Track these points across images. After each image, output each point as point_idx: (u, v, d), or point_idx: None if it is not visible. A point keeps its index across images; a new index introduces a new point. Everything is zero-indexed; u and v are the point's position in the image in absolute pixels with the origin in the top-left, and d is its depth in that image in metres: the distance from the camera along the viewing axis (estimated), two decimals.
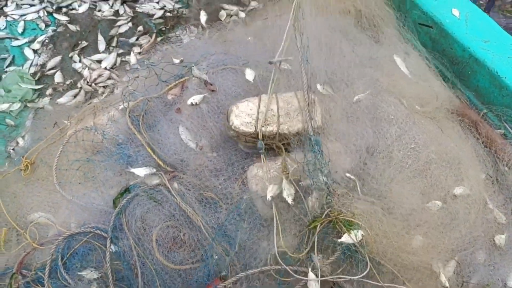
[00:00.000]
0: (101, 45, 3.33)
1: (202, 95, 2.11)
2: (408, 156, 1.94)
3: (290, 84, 2.05)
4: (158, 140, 2.06)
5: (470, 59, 2.42)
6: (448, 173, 1.95)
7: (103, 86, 3.11)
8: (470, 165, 2.06)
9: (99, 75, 3.15)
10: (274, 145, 1.98)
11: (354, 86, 2.17)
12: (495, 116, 2.34)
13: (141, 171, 1.99)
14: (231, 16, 3.25)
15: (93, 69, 3.19)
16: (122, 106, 2.21)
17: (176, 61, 2.37)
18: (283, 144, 1.95)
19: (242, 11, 3.23)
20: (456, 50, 2.47)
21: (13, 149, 2.76)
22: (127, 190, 1.96)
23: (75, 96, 3.04)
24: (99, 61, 3.25)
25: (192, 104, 2.09)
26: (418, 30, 2.62)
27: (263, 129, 1.94)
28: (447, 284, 1.81)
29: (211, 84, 2.15)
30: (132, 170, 2.00)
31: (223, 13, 3.28)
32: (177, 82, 2.23)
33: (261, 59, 2.26)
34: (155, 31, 3.41)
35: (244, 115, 1.96)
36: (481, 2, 3.69)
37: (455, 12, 2.54)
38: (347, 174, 1.91)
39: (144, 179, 1.97)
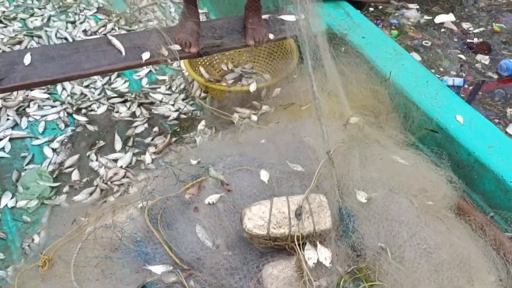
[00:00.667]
0: (118, 145, 3.46)
1: (218, 195, 2.20)
2: (420, 257, 1.99)
3: (304, 185, 2.14)
4: (176, 238, 2.12)
5: (476, 164, 2.51)
6: (460, 274, 1.99)
7: (118, 185, 3.20)
8: (480, 267, 2.09)
9: (115, 174, 3.25)
10: (287, 246, 2.05)
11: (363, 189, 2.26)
12: (502, 219, 2.39)
13: (158, 269, 2.03)
14: (244, 119, 3.38)
15: (109, 168, 3.30)
16: (141, 205, 2.28)
17: (194, 162, 2.47)
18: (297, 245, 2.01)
19: (254, 114, 3.36)
20: (461, 155, 2.58)
21: (28, 246, 2.81)
22: (144, 287, 2.00)
23: (91, 194, 3.12)
24: (115, 160, 3.36)
25: (209, 204, 2.17)
26: (424, 134, 2.74)
27: (275, 231, 2.01)
28: None
29: (227, 184, 2.25)
30: (150, 267, 2.04)
31: (236, 116, 3.41)
32: (194, 182, 2.32)
33: (275, 161, 2.37)
34: (170, 132, 3.55)
35: (256, 218, 2.03)
36: (462, 95, 3.84)
37: (459, 118, 2.67)
38: (380, 244, 1.96)
39: (161, 277, 2.01)
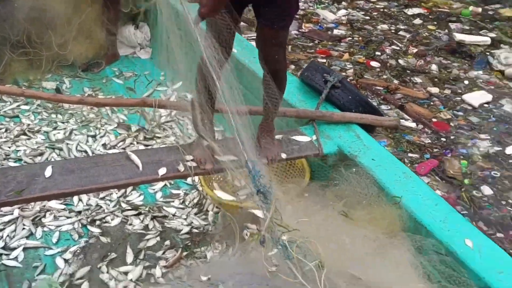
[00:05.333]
0: (129, 257, 3.48)
1: None
2: None
3: None
4: None
5: None
6: None
7: None
8: None
9: (124, 287, 3.25)
10: None
11: None
12: None
13: None
14: (255, 234, 3.41)
15: (119, 281, 3.30)
16: None
17: (204, 278, 2.49)
18: None
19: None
20: (471, 280, 2.57)
21: None
22: None
23: None
24: (126, 273, 3.37)
25: None
26: (434, 258, 2.75)
27: None
28: None
29: None
30: None
31: (246, 232, 3.46)
32: None
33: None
34: (181, 246, 3.58)
35: None
36: None
37: (469, 242, 2.70)
38: None
39: None
